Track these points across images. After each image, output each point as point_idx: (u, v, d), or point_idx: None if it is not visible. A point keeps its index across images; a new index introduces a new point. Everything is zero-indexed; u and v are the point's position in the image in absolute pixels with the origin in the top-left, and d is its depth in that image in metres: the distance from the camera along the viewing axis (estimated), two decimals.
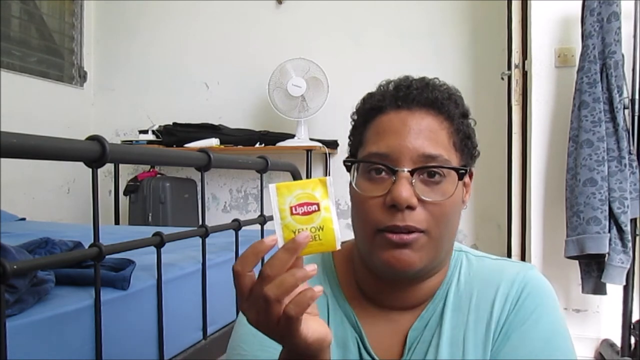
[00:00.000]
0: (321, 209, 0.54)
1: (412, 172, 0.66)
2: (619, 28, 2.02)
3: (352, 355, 0.73)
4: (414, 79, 0.73)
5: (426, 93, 0.70)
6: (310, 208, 0.54)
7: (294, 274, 0.53)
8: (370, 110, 0.72)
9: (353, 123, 0.75)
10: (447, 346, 0.70)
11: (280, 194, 0.55)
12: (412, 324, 0.72)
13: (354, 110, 0.76)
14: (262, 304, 0.54)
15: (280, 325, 0.54)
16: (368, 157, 0.69)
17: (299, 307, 0.53)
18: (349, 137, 0.76)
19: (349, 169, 0.71)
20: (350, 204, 0.73)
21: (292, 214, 0.54)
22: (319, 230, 0.54)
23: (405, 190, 0.64)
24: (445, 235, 0.68)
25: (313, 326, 0.56)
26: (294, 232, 0.54)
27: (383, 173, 0.67)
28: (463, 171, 0.69)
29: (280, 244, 0.55)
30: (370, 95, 0.74)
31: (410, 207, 0.65)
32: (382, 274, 0.70)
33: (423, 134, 0.67)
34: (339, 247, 0.55)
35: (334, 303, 0.75)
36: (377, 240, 0.66)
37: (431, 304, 0.73)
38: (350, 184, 0.75)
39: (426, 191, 0.66)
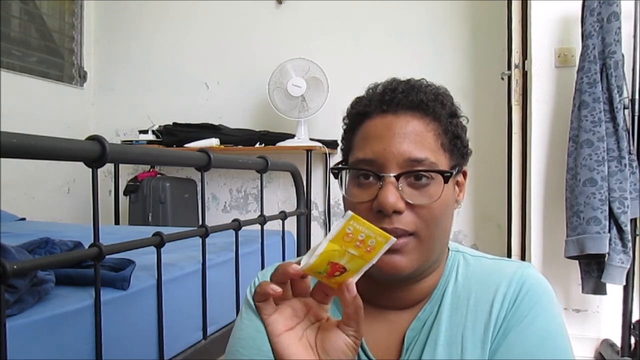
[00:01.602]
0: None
1: (397, 177, 0.66)
2: (619, 28, 2.02)
3: None
4: (400, 82, 0.73)
5: (411, 96, 0.70)
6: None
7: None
8: (357, 116, 0.72)
9: (344, 128, 0.76)
10: (444, 345, 0.70)
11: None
12: (410, 324, 0.73)
13: (345, 114, 0.76)
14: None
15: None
16: (355, 163, 0.69)
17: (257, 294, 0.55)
18: (341, 142, 0.77)
19: (336, 176, 0.72)
20: None
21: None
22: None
23: (391, 195, 0.64)
24: (436, 237, 0.69)
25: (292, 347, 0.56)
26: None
27: (370, 178, 0.67)
28: (448, 174, 0.68)
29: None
30: (358, 100, 0.74)
31: (398, 212, 0.65)
32: (375, 277, 0.70)
33: (408, 137, 0.67)
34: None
35: (332, 305, 0.75)
36: None
37: (428, 304, 0.73)
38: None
39: (414, 194, 0.66)
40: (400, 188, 0.66)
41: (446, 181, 0.68)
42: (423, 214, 0.66)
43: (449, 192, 0.69)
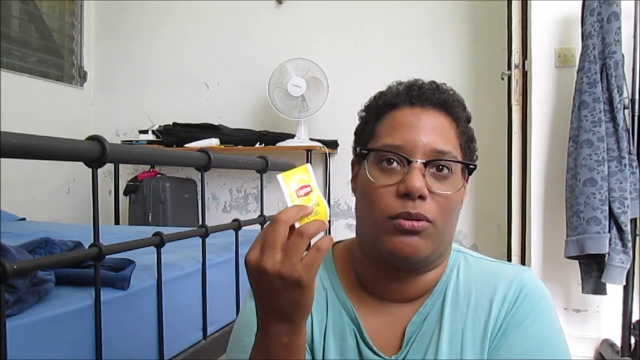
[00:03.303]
0: (313, 189, 0.63)
1: (425, 164, 0.69)
2: (619, 28, 2.02)
3: (350, 347, 0.74)
4: (424, 82, 0.76)
5: (438, 94, 0.74)
6: (307, 190, 0.63)
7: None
8: (384, 106, 0.75)
9: (362, 119, 0.78)
10: (447, 343, 0.72)
11: (287, 183, 0.63)
12: (411, 318, 0.74)
13: (363, 107, 0.79)
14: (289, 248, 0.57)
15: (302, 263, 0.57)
16: (382, 148, 0.71)
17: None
18: (356, 133, 0.79)
19: (363, 159, 0.73)
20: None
21: (298, 196, 0.62)
22: (317, 206, 0.62)
23: (418, 180, 0.67)
24: (449, 228, 0.71)
25: None
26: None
27: (395, 164, 0.70)
28: (473, 166, 0.73)
29: (296, 223, 0.60)
30: (381, 94, 0.77)
31: (422, 197, 0.67)
32: (387, 260, 0.72)
33: (435, 130, 0.71)
34: (328, 218, 0.63)
35: (332, 295, 0.78)
36: (387, 226, 0.68)
37: (429, 300, 0.75)
38: (354, 176, 0.78)
39: (436, 184, 0.69)
40: (424, 175, 0.69)
41: (470, 173, 0.73)
42: (442, 204, 0.69)
43: (463, 188, 0.73)
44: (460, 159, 0.73)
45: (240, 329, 0.76)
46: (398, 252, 0.68)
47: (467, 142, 0.75)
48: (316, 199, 0.62)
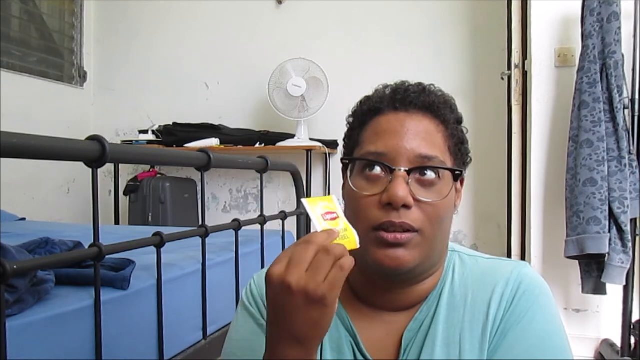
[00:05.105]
0: (339, 216, 0.64)
1: (409, 172, 0.67)
2: (619, 28, 2.02)
3: (347, 358, 0.72)
4: (411, 84, 0.74)
5: (423, 97, 0.71)
6: (333, 216, 0.64)
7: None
8: (368, 112, 0.73)
9: (349, 125, 0.77)
10: (442, 346, 0.70)
11: (312, 207, 0.64)
12: (407, 325, 0.72)
13: (350, 113, 0.77)
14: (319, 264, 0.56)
15: (325, 283, 0.56)
16: (365, 156, 0.70)
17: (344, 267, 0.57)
18: (344, 140, 0.77)
19: (346, 168, 0.72)
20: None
21: (324, 220, 0.63)
22: (344, 231, 0.62)
23: (402, 189, 0.65)
24: (438, 236, 0.69)
25: None
26: None
27: (379, 171, 0.68)
28: (459, 172, 0.70)
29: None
30: (367, 98, 0.75)
31: (406, 206, 0.65)
32: (374, 273, 0.70)
33: (420, 135, 0.69)
34: (359, 245, 0.63)
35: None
36: (371, 238, 0.67)
37: (425, 305, 0.73)
38: (344, 184, 0.76)
39: (421, 191, 0.67)
40: (409, 183, 0.66)
41: (456, 179, 0.70)
42: (429, 212, 0.67)
43: (452, 193, 0.70)
44: (449, 162, 0.70)
45: (234, 342, 0.75)
46: (383, 265, 0.66)
47: (457, 145, 0.72)
48: (344, 225, 0.63)
